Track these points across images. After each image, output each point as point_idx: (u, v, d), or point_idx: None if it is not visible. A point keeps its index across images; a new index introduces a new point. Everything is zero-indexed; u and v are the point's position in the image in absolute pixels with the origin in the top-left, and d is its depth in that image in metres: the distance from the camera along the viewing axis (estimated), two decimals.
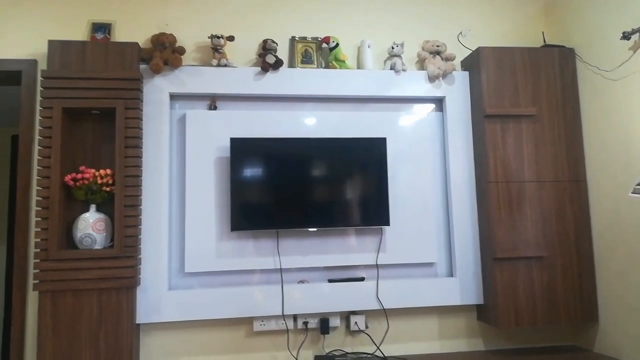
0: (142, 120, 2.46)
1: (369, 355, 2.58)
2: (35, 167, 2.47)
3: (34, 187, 2.47)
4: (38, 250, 2.29)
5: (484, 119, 2.62)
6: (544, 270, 2.57)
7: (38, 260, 2.28)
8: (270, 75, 2.64)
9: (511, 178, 2.60)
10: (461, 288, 2.65)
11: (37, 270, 2.27)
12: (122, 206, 2.34)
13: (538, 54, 2.71)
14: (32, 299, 2.43)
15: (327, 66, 2.74)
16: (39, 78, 2.50)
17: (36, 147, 2.49)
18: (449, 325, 2.70)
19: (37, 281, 2.27)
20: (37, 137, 2.48)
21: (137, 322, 2.38)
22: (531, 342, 2.76)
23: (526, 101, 2.66)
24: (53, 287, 2.28)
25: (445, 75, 2.77)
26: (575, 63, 2.73)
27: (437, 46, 2.79)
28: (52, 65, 2.39)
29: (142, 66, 2.51)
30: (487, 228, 2.59)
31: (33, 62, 2.55)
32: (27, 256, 2.46)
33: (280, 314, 2.49)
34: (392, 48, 2.76)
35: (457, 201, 2.71)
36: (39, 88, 2.49)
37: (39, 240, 2.29)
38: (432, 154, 2.77)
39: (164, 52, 2.53)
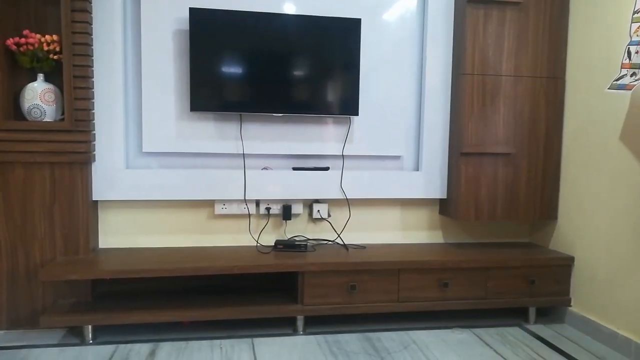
0: None
1: (330, 242, 2.61)
2: None
3: None
4: None
5: (467, 4, 2.44)
6: (509, 167, 2.55)
7: None
8: None
9: (488, 71, 2.49)
10: (426, 182, 2.63)
11: None
12: (70, 76, 2.17)
13: None
14: None
15: None
16: None
17: None
18: (411, 217, 2.73)
19: None
20: None
21: (93, 199, 2.32)
22: (489, 237, 2.82)
23: None
24: (2, 158, 2.17)
25: None
26: None
27: None
28: None
29: None
30: (458, 122, 2.52)
31: None
32: None
33: (243, 198, 2.46)
34: None
35: (431, 94, 2.60)
36: None
37: None
38: (409, 42, 2.60)
39: None
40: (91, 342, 2.13)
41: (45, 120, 2.22)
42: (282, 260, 2.27)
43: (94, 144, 2.30)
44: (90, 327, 2.14)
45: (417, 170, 2.67)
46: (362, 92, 2.50)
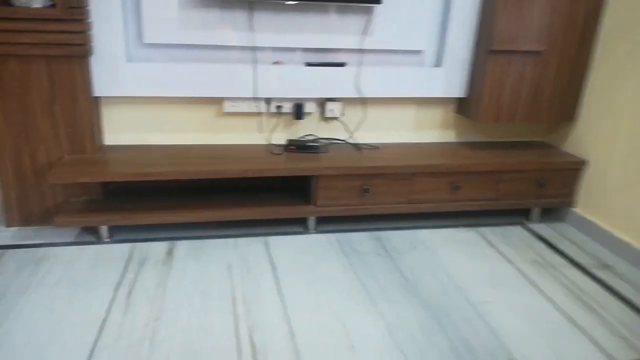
0: None
1: (342, 142, 2.56)
2: None
3: None
4: None
5: None
6: (537, 66, 2.40)
7: None
8: None
9: None
10: (447, 79, 2.50)
11: None
12: None
13: None
14: None
15: None
16: None
17: None
18: (425, 116, 2.64)
19: None
20: None
21: (95, 95, 2.19)
22: (502, 136, 2.78)
23: None
24: None
25: None
26: None
27: None
28: None
29: None
30: (489, 14, 2.31)
31: None
32: None
33: (252, 96, 2.33)
34: None
35: None
36: None
37: None
38: None
39: None
40: (107, 240, 2.18)
41: (34, 5, 1.99)
42: (296, 164, 2.24)
43: (91, 34, 2.10)
44: (106, 226, 2.16)
45: (438, 66, 2.52)
46: None
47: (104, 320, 1.65)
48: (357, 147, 2.51)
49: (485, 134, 2.76)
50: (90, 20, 2.08)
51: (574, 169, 2.51)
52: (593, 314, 1.82)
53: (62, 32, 2.01)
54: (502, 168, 2.43)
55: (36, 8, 1.99)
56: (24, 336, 1.56)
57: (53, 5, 2.00)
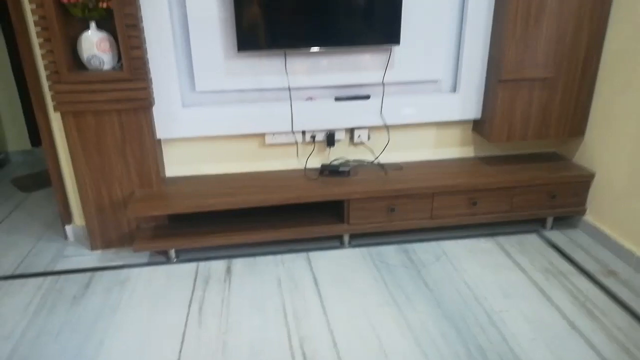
0: None
1: (369, 164, 2.87)
2: None
3: (28, 10, 2.34)
4: (48, 72, 2.30)
5: None
6: (544, 90, 2.64)
7: (51, 83, 2.32)
8: None
9: None
10: (462, 103, 2.77)
11: (53, 92, 2.33)
12: (123, 26, 2.26)
13: None
14: (56, 121, 2.54)
15: None
16: None
17: None
18: (445, 136, 2.92)
19: (55, 103, 2.35)
20: None
21: (158, 138, 2.57)
22: (516, 148, 3.03)
23: None
24: (73, 108, 2.38)
25: None
26: None
27: None
28: None
29: None
30: (499, 47, 2.56)
31: None
32: (39, 79, 2.47)
33: (290, 129, 2.67)
34: None
35: (473, 15, 2.59)
36: None
37: (47, 62, 2.28)
38: None
39: None
40: (175, 260, 2.58)
41: (104, 68, 2.37)
42: (329, 189, 2.57)
43: (152, 88, 2.47)
44: (173, 248, 2.57)
45: (454, 92, 2.78)
46: (403, 20, 2.51)
47: (183, 333, 2.05)
48: (383, 167, 2.82)
49: (501, 148, 3.02)
50: (151, 76, 2.45)
51: (583, 181, 2.75)
52: (594, 321, 2.10)
53: (129, 89, 2.38)
54: (516, 184, 2.70)
55: (107, 71, 2.37)
56: (121, 350, 1.97)
57: (121, 67, 2.37)
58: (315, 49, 2.50)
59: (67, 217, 2.77)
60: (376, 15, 2.47)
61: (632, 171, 2.47)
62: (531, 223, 2.90)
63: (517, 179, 2.70)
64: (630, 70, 2.44)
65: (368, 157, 2.89)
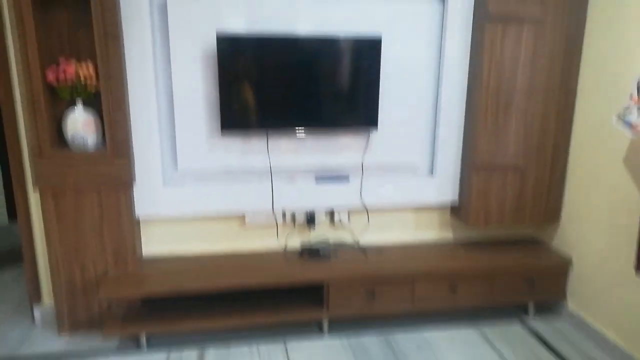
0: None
1: (349, 246, 2.86)
2: (14, 64, 2.38)
3: (16, 84, 2.40)
4: (31, 148, 2.32)
5: (486, 18, 2.49)
6: (517, 177, 2.72)
7: (32, 158, 2.32)
8: None
9: (502, 85, 2.58)
10: (439, 187, 2.83)
11: (33, 168, 2.33)
12: (110, 110, 2.32)
13: None
14: (34, 196, 2.53)
15: None
16: None
17: (10, 43, 2.37)
18: (424, 218, 2.95)
19: (34, 177, 2.34)
20: (9, 34, 2.33)
21: (137, 216, 2.55)
22: (495, 233, 3.06)
23: (533, 2, 2.50)
24: (52, 184, 2.36)
25: None
26: None
27: None
28: None
29: None
30: (471, 136, 2.67)
31: None
32: (21, 153, 2.50)
33: (271, 209, 2.68)
34: None
35: (447, 105, 2.72)
36: None
37: (30, 138, 2.31)
38: (427, 55, 2.69)
39: None
40: (145, 348, 2.45)
41: (88, 146, 2.39)
42: (308, 273, 2.53)
43: (134, 167, 2.49)
44: (144, 334, 2.45)
45: (431, 175, 2.85)
46: (381, 105, 2.63)
47: None
48: (364, 251, 2.81)
49: (479, 233, 3.04)
50: (133, 155, 2.48)
51: (561, 266, 2.76)
52: None
53: (111, 168, 2.40)
54: (494, 271, 2.69)
55: (89, 151, 2.39)
56: None
57: (103, 143, 2.40)
58: (298, 129, 2.57)
59: (36, 297, 2.67)
60: (355, 100, 2.59)
61: (609, 258, 2.49)
62: (513, 309, 2.86)
63: (495, 265, 2.70)
64: (594, 166, 2.55)
65: (348, 239, 2.89)
